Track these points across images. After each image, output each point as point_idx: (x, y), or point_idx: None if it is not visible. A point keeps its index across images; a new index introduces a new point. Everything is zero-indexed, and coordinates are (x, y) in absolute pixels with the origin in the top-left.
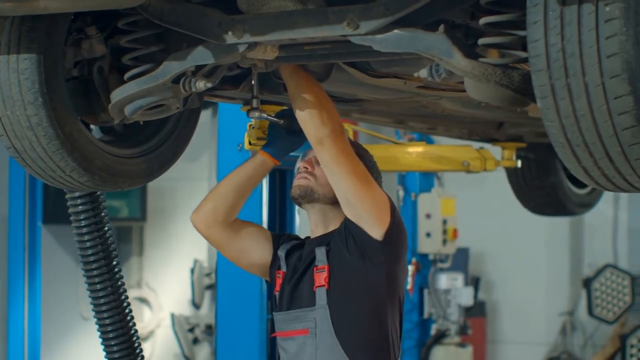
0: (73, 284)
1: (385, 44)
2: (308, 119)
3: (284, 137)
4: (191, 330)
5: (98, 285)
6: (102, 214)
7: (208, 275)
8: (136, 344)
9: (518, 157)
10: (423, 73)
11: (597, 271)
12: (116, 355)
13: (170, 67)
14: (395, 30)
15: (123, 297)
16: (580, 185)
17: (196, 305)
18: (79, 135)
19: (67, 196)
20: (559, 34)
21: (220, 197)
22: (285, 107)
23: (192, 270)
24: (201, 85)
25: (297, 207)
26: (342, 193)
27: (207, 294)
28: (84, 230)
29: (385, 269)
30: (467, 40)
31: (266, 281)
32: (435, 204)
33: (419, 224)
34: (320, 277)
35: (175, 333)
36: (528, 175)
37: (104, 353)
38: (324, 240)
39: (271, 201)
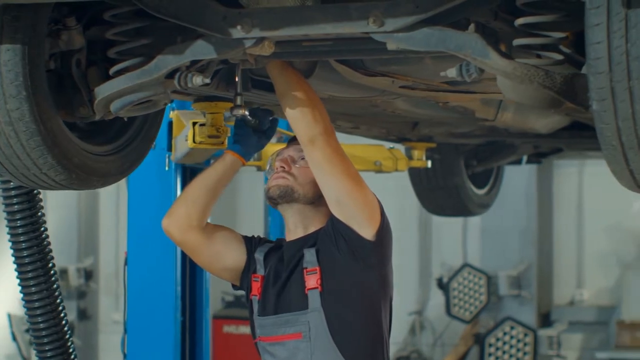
0: None
1: (412, 42)
2: (299, 118)
3: (251, 136)
4: (28, 330)
5: (33, 288)
6: (39, 213)
7: None
8: (70, 347)
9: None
10: (452, 72)
11: (454, 271)
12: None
13: (166, 62)
14: (425, 29)
15: (58, 300)
16: (480, 185)
17: None
18: (59, 131)
19: (2, 194)
20: (624, 37)
21: (192, 200)
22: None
23: None
24: (198, 80)
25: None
26: (334, 193)
27: None
28: (20, 230)
29: (377, 270)
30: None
31: (233, 285)
32: None
33: None
34: (312, 279)
35: (12, 333)
36: (432, 175)
37: (37, 357)
38: (307, 241)
39: None
